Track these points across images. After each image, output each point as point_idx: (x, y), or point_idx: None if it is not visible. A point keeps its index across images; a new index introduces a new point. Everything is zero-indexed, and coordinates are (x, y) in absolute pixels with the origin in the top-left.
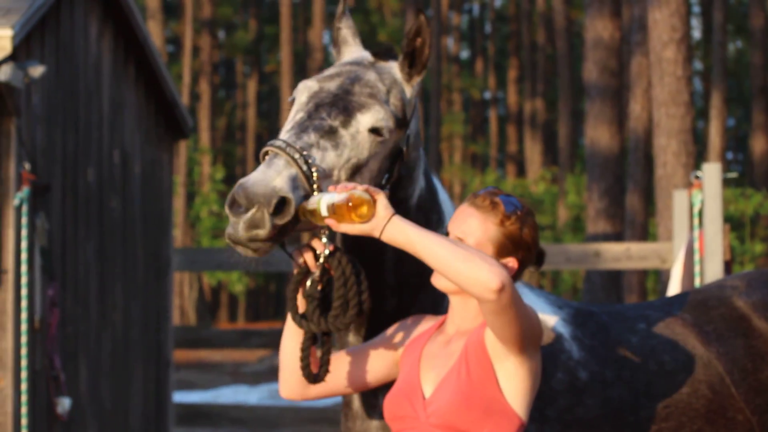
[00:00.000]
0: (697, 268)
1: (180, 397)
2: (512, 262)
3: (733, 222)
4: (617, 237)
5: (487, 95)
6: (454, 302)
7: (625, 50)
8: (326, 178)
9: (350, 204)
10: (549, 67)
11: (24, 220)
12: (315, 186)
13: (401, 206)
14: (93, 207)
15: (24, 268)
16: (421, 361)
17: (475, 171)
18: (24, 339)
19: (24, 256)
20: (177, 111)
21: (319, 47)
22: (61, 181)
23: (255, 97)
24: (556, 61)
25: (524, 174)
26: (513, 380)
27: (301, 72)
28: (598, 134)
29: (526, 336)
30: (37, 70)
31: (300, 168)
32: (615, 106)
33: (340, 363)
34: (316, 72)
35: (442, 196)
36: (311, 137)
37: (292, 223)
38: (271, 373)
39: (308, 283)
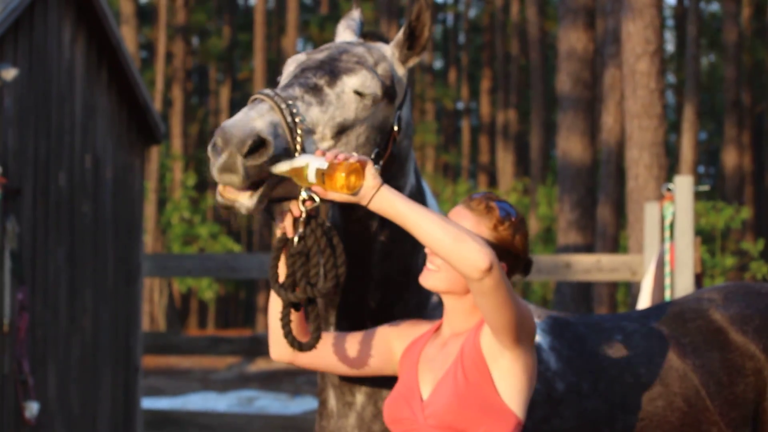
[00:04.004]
0: (667, 281)
1: (148, 403)
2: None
3: (704, 235)
4: (588, 249)
5: (460, 105)
6: (446, 302)
7: (599, 62)
8: (310, 133)
9: (340, 174)
10: (522, 78)
11: None
12: (298, 139)
13: None
14: (64, 211)
15: None
16: (419, 364)
17: (447, 181)
18: None
19: None
20: (149, 116)
21: (292, 55)
22: (33, 184)
23: (228, 104)
24: (529, 73)
25: (496, 185)
26: (508, 378)
27: (274, 79)
28: (571, 146)
29: (519, 325)
30: (9, 73)
31: (284, 117)
32: (587, 117)
33: (334, 340)
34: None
35: (431, 200)
36: (296, 91)
37: (273, 179)
38: (240, 381)
39: (295, 241)
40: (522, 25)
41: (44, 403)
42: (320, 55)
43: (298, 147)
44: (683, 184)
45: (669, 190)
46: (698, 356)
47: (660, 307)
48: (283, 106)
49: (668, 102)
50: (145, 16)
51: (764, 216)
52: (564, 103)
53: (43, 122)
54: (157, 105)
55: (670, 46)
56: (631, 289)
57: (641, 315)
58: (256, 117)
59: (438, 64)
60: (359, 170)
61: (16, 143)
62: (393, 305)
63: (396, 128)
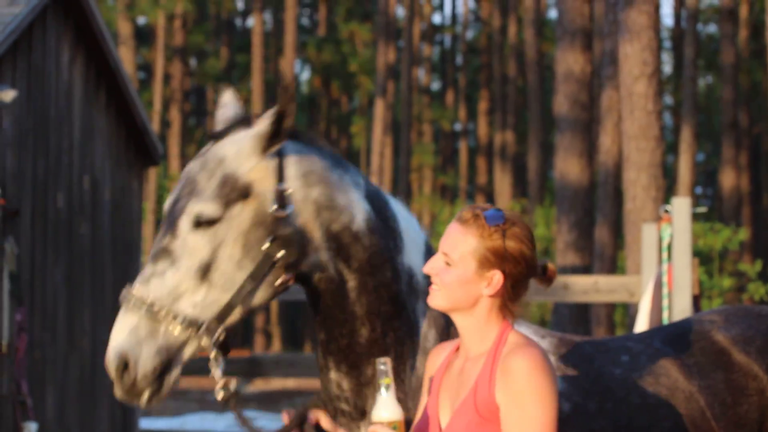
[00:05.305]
0: (665, 302)
1: (146, 423)
2: (498, 275)
3: (701, 256)
4: (586, 270)
5: (458, 127)
6: (456, 321)
7: (596, 84)
8: (177, 298)
9: None
10: (520, 99)
11: None
12: (167, 319)
13: (343, 234)
14: (62, 232)
15: None
16: (440, 392)
17: (445, 202)
18: None
19: None
20: (147, 138)
21: (290, 76)
22: (31, 206)
23: None
24: (526, 94)
25: (493, 206)
26: None
27: (271, 101)
28: (568, 167)
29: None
30: (8, 95)
31: (139, 312)
32: (585, 139)
33: None
34: (286, 102)
35: (404, 223)
36: (148, 270)
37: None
38: (238, 401)
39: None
40: (519, 46)
41: (43, 423)
42: (177, 187)
43: (170, 323)
44: (681, 206)
45: (667, 211)
46: (703, 377)
47: (663, 329)
48: (132, 302)
49: (666, 123)
50: (143, 38)
51: (762, 237)
52: (561, 125)
53: (41, 143)
54: (155, 126)
55: (667, 68)
56: (629, 311)
57: (645, 336)
58: (116, 332)
59: (435, 85)
60: None
61: (15, 164)
62: (385, 336)
63: (275, 207)
